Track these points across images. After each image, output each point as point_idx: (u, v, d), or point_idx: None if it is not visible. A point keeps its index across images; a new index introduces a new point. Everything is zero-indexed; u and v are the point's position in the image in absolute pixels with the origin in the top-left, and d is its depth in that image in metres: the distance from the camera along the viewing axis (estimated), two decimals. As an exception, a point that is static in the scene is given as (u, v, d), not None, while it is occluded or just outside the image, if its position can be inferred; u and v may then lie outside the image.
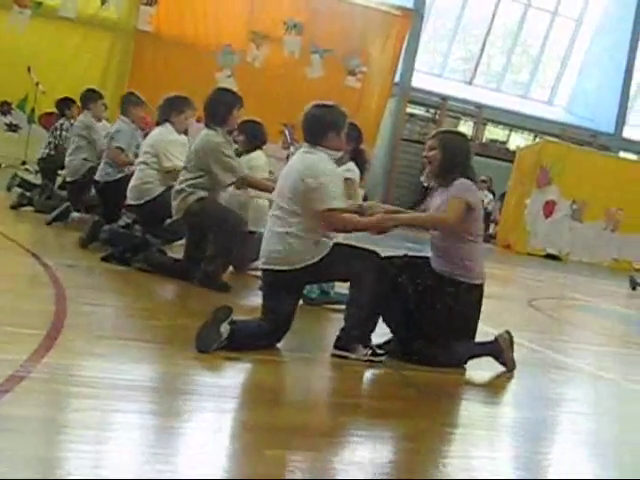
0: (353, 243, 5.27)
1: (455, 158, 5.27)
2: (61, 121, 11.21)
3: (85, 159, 9.40)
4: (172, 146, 7.65)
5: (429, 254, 5.43)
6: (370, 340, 5.07)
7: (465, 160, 5.35)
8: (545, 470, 3.87)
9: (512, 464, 3.89)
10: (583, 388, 5.95)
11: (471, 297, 5.25)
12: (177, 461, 3.10)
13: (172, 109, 7.81)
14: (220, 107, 6.79)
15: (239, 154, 7.71)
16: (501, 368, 5.42)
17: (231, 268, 7.37)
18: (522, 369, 5.52)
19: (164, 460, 3.03)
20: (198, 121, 8.75)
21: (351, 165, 6.57)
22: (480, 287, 5.31)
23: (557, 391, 5.56)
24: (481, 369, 5.36)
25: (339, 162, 6.37)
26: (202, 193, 6.69)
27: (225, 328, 4.59)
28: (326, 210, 4.92)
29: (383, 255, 5.22)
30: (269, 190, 6.69)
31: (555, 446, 4.40)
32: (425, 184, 5.66)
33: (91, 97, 9.81)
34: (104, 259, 6.84)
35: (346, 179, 6.16)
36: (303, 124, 5.14)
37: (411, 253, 5.70)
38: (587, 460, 4.20)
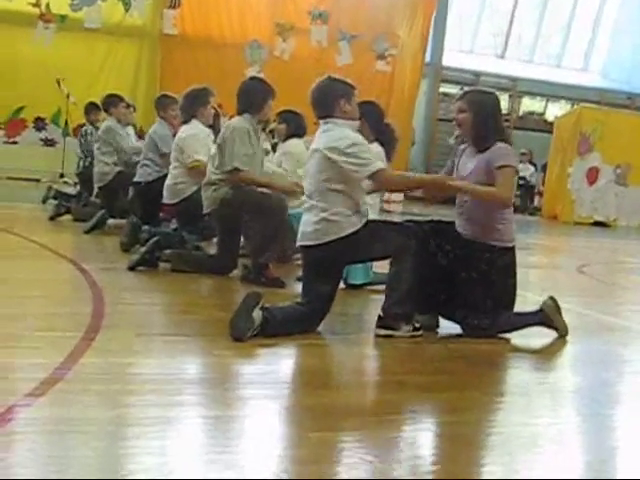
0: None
1: (488, 119, 5.09)
2: (84, 128, 11.02)
3: (113, 163, 9.41)
4: (194, 140, 7.46)
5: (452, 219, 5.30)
6: (413, 316, 4.94)
7: (498, 120, 5.20)
8: (611, 432, 3.74)
9: (575, 428, 3.76)
10: (640, 348, 5.77)
11: (505, 260, 5.09)
12: (228, 451, 2.99)
13: (198, 104, 7.63)
14: (256, 95, 6.60)
15: (275, 143, 7.58)
16: (552, 335, 5.26)
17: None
18: (575, 334, 5.35)
19: (217, 450, 2.99)
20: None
21: (373, 146, 5.94)
22: (512, 250, 5.16)
23: (614, 353, 5.38)
24: (531, 336, 5.20)
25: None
26: None
27: (257, 314, 4.48)
28: (374, 173, 4.80)
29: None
30: (271, 187, 6.55)
31: (618, 407, 4.20)
32: (457, 145, 5.48)
33: (111, 102, 9.80)
34: (131, 269, 6.46)
35: None
36: (312, 101, 5.07)
37: (436, 218, 5.51)
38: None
